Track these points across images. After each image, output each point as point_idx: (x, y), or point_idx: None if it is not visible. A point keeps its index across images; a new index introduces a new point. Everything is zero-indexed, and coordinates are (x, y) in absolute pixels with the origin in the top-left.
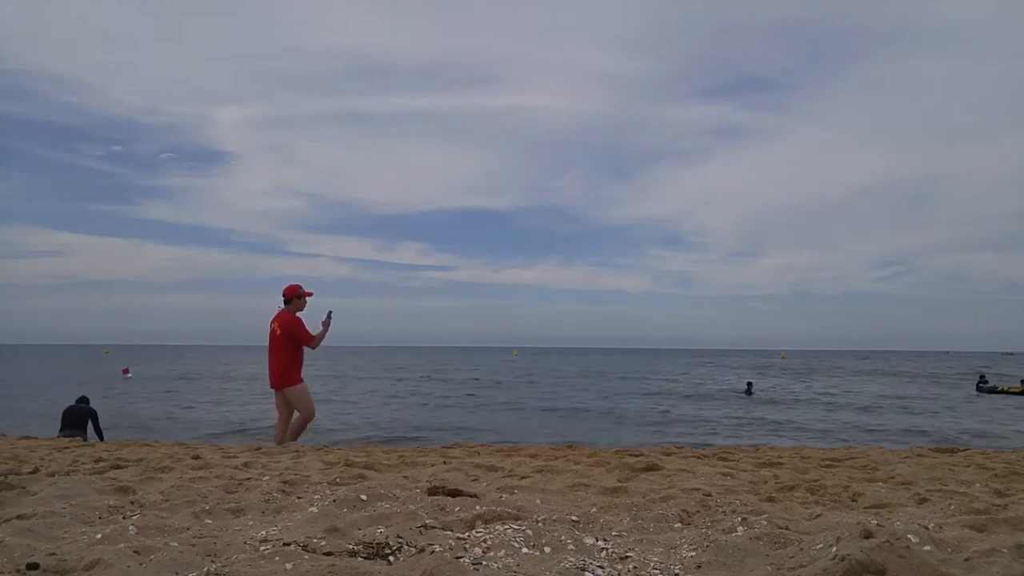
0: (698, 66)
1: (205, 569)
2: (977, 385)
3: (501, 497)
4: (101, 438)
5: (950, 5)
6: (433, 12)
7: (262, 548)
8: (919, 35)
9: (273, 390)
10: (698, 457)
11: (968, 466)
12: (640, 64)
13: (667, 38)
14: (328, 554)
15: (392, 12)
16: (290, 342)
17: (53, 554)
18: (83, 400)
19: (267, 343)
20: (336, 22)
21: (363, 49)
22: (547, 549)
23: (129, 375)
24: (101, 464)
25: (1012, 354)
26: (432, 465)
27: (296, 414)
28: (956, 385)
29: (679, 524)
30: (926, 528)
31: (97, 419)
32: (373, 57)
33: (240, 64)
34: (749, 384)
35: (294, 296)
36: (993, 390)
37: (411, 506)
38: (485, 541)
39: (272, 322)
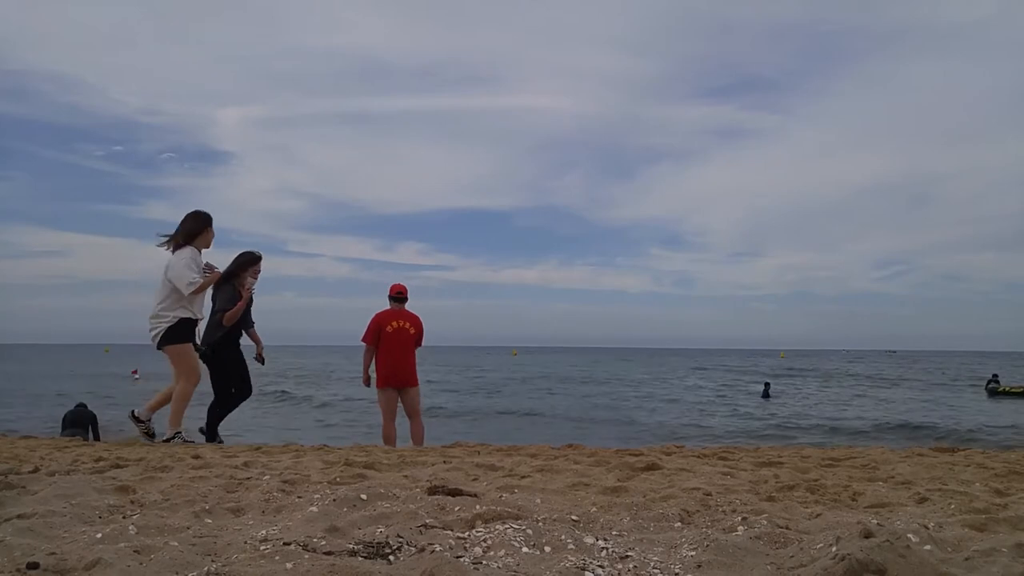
0: (698, 66)
1: (205, 569)
2: (987, 386)
3: (501, 497)
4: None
5: (951, 5)
6: (433, 12)
7: (262, 548)
8: (920, 35)
9: (393, 388)
10: (698, 456)
11: (968, 466)
12: (640, 64)
13: (667, 38)
14: (328, 554)
15: (392, 12)
16: (417, 343)
17: (53, 553)
18: (81, 406)
19: (392, 342)
20: (336, 22)
21: (363, 49)
22: (547, 548)
23: (137, 376)
24: (101, 463)
25: (895, 352)
26: (432, 465)
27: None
28: (956, 388)
29: (679, 523)
30: (926, 527)
31: (96, 424)
32: (373, 57)
33: (240, 64)
34: (766, 385)
35: (407, 297)
36: (996, 391)
37: (411, 505)
38: (485, 540)
39: (398, 320)
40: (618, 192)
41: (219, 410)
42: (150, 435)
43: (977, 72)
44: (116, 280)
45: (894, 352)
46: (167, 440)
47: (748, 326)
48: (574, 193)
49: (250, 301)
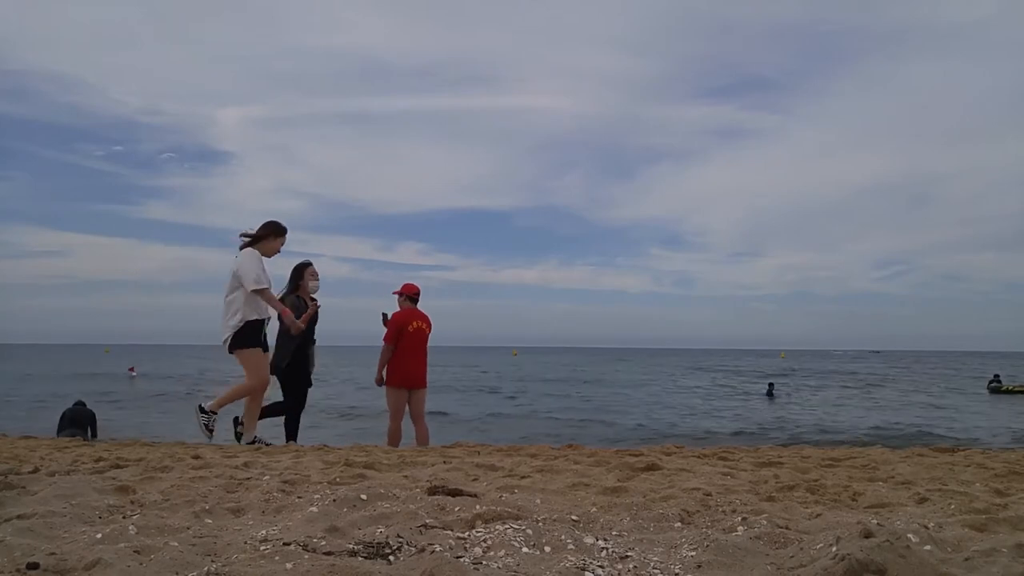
0: (698, 66)
1: (205, 569)
2: (989, 385)
3: (501, 497)
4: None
5: (951, 5)
6: (433, 12)
7: (262, 548)
8: (920, 35)
9: (405, 389)
10: (698, 457)
11: (968, 466)
12: (640, 64)
13: (667, 38)
14: (328, 554)
15: (392, 12)
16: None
17: (53, 554)
18: (80, 403)
19: (410, 342)
20: (336, 22)
21: (363, 49)
22: (547, 549)
23: (135, 375)
24: (101, 464)
25: (879, 352)
26: (432, 465)
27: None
28: (956, 387)
29: (679, 524)
30: (926, 528)
31: (95, 423)
32: (373, 57)
33: (240, 64)
34: (770, 385)
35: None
36: (998, 390)
37: (411, 506)
38: (485, 541)
39: (416, 321)
40: (618, 192)
41: (292, 423)
42: (263, 443)
43: (977, 72)
44: (116, 280)
45: (878, 352)
46: (204, 414)
47: (748, 326)
48: (574, 193)
49: (315, 317)
